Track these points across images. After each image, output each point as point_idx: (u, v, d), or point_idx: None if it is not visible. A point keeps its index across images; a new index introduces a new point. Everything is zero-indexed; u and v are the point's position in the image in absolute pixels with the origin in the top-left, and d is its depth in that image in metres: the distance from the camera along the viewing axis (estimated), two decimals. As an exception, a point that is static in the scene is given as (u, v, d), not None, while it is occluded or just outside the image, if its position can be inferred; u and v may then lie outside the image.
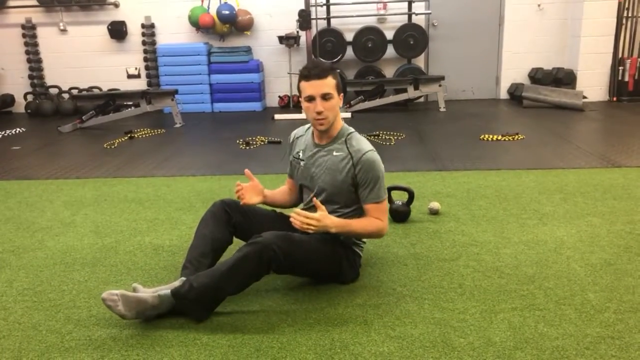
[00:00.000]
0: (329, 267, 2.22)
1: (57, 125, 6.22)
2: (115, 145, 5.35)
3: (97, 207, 3.44)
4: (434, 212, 3.08)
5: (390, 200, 3.00)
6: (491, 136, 5.04)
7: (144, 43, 7.41)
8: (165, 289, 2.03)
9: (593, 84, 6.97)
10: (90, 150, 5.20)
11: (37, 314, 2.12)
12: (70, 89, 7.63)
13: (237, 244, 2.18)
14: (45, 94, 7.68)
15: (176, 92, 6.43)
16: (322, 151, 2.23)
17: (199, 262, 2.12)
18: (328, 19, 7.19)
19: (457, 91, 7.50)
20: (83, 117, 6.29)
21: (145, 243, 2.81)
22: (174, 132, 6.02)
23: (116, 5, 7.40)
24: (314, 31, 6.80)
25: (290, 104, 7.38)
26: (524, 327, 1.92)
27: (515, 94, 7.08)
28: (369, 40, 6.97)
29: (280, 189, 2.50)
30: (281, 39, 7.04)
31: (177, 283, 2.05)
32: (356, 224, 2.15)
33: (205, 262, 2.13)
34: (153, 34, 7.46)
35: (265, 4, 7.26)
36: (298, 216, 2.00)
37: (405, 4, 7.09)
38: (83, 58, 7.60)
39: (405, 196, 2.98)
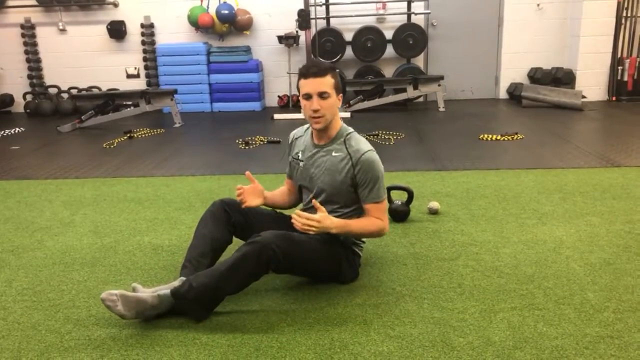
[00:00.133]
0: (329, 267, 2.22)
1: (56, 125, 6.22)
2: (115, 145, 5.35)
3: (97, 206, 3.44)
4: (434, 212, 3.08)
5: (389, 200, 3.00)
6: (490, 136, 5.04)
7: (143, 43, 7.41)
8: (164, 289, 2.03)
9: (592, 84, 6.97)
10: (89, 150, 5.19)
11: (37, 314, 2.12)
12: (70, 88, 7.63)
13: (237, 243, 2.18)
14: (45, 93, 7.68)
15: (175, 91, 6.43)
16: (321, 151, 2.23)
17: (198, 261, 2.12)
18: (327, 18, 7.19)
19: (456, 91, 7.50)
20: (82, 117, 6.28)
21: (144, 243, 2.81)
22: (173, 132, 6.01)
23: (115, 5, 7.40)
24: (313, 31, 6.80)
25: (289, 103, 7.38)
26: (523, 326, 1.92)
27: (515, 94, 7.09)
28: (369, 40, 6.97)
29: (279, 190, 2.50)
30: (280, 39, 7.04)
31: (176, 283, 2.05)
32: (356, 224, 2.15)
33: (204, 261, 2.13)
34: (152, 34, 7.46)
35: (264, 4, 7.26)
36: (299, 218, 1.99)
37: (405, 4, 7.09)
38: (82, 58, 7.60)
39: (404, 196, 2.98)
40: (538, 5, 7.08)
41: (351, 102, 6.64)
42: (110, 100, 6.47)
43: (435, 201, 3.15)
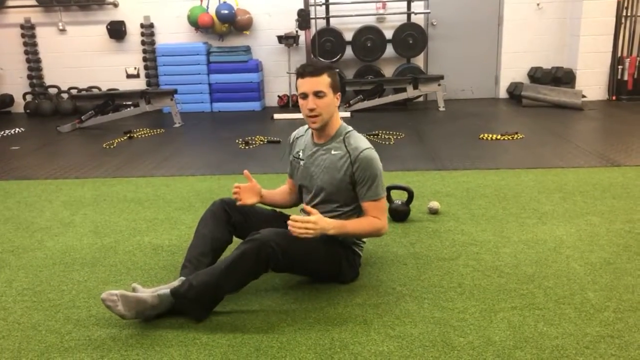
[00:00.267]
0: (328, 267, 2.21)
1: (56, 125, 6.22)
2: (115, 145, 5.35)
3: (97, 207, 3.44)
4: (434, 212, 3.08)
5: (389, 200, 3.00)
6: (490, 135, 5.04)
7: (143, 43, 7.41)
8: (164, 289, 2.03)
9: (592, 83, 6.97)
10: (89, 150, 5.19)
11: (37, 314, 2.12)
12: (70, 88, 7.63)
13: (237, 243, 2.17)
14: (44, 94, 7.68)
15: (175, 91, 6.43)
16: (321, 150, 2.23)
17: (198, 261, 2.12)
18: (327, 18, 7.19)
19: (456, 90, 7.49)
20: (82, 117, 6.28)
21: (144, 243, 2.81)
22: (173, 132, 6.01)
23: (115, 5, 7.39)
24: (313, 31, 6.80)
25: (289, 103, 7.37)
26: (523, 326, 1.92)
27: (515, 93, 7.09)
28: (368, 39, 6.97)
29: (280, 189, 2.50)
30: (280, 39, 7.04)
31: (176, 283, 2.05)
32: (353, 224, 2.15)
33: (204, 261, 2.13)
34: (152, 34, 7.45)
35: (264, 4, 7.26)
36: (296, 223, 1.97)
37: (405, 4, 7.09)
38: (82, 58, 7.59)
39: (404, 195, 2.98)
40: (538, 4, 7.08)
41: (351, 101, 6.63)
42: (110, 100, 6.47)
43: (436, 201, 3.15)
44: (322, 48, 6.96)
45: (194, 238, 2.23)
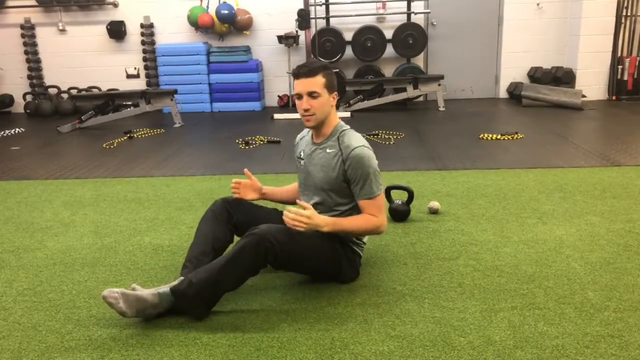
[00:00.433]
0: (328, 265, 2.21)
1: (56, 126, 6.22)
2: (115, 145, 5.35)
3: (97, 207, 3.44)
4: (434, 212, 3.08)
5: (389, 200, 3.00)
6: (490, 135, 5.04)
7: (143, 43, 7.41)
8: (164, 288, 2.03)
9: (592, 83, 6.97)
10: (89, 150, 5.20)
11: (37, 314, 2.12)
12: (70, 89, 7.63)
13: (237, 243, 2.18)
14: (44, 94, 7.68)
15: (175, 91, 6.43)
16: (318, 149, 2.25)
17: (198, 260, 2.12)
18: (327, 18, 7.19)
19: (456, 90, 7.50)
20: (82, 117, 6.28)
21: (145, 243, 2.81)
22: (173, 132, 6.01)
23: (115, 5, 7.40)
24: (313, 30, 6.80)
25: (289, 103, 7.38)
26: (523, 326, 1.92)
27: (515, 93, 7.09)
28: (368, 39, 6.97)
29: (287, 187, 2.53)
30: (280, 39, 7.04)
31: (176, 283, 2.05)
32: (349, 222, 2.15)
33: (205, 260, 2.13)
34: (152, 34, 7.46)
35: (264, 4, 7.26)
36: (289, 214, 2.00)
37: (404, 3, 7.09)
38: (82, 58, 7.60)
39: (404, 195, 2.98)
40: (538, 4, 7.08)
41: (351, 101, 6.64)
42: (110, 100, 6.47)
43: (436, 201, 3.15)
44: (322, 48, 6.96)
45: (194, 237, 2.24)
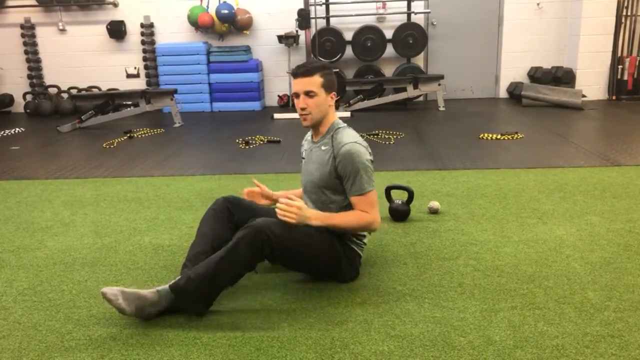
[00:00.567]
0: (327, 263, 2.21)
1: (56, 125, 6.22)
2: (115, 145, 5.35)
3: (97, 206, 3.44)
4: (434, 211, 3.08)
5: (390, 200, 3.00)
6: (490, 135, 5.04)
7: (143, 42, 7.41)
8: (164, 286, 2.04)
9: (592, 83, 6.97)
10: (89, 150, 5.19)
11: (37, 314, 2.12)
12: (69, 88, 7.63)
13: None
14: (44, 93, 7.68)
15: (175, 91, 6.43)
16: (315, 147, 2.28)
17: (198, 259, 2.12)
18: (327, 18, 7.19)
19: (456, 90, 7.50)
20: (82, 117, 6.29)
21: (145, 243, 2.81)
22: (173, 131, 6.02)
23: (115, 5, 7.40)
24: (313, 30, 6.80)
25: (289, 103, 7.38)
26: (524, 325, 1.92)
27: (515, 93, 7.09)
28: (368, 39, 6.97)
29: (296, 190, 2.56)
30: (280, 38, 7.04)
31: (175, 280, 2.05)
32: (340, 217, 2.16)
33: (204, 259, 2.13)
34: (152, 34, 7.46)
35: (264, 3, 7.27)
36: (281, 205, 2.04)
37: (405, 3, 7.09)
38: (82, 58, 7.60)
39: (405, 195, 2.98)
40: (538, 4, 7.08)
41: (351, 101, 6.64)
42: (110, 100, 6.47)
43: (436, 200, 3.15)
44: (322, 48, 6.96)
45: (195, 237, 2.25)
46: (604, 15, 6.76)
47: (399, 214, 2.98)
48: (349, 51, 7.07)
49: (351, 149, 2.13)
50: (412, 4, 7.07)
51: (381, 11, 7.23)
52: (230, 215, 2.27)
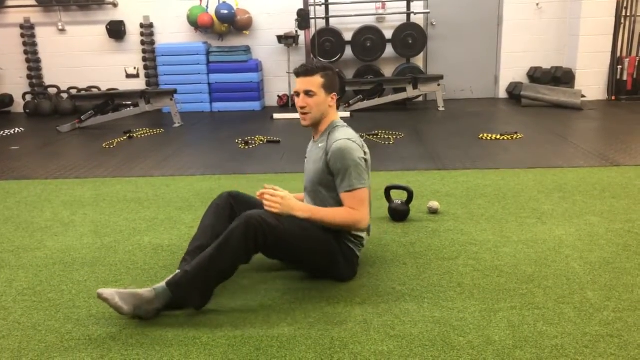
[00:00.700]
0: (323, 259, 2.21)
1: (56, 125, 6.22)
2: (114, 145, 5.35)
3: (97, 206, 3.44)
4: (433, 211, 3.08)
5: (389, 200, 3.01)
6: (490, 135, 5.05)
7: (142, 43, 7.41)
8: (160, 284, 2.05)
9: (592, 83, 6.98)
10: (89, 150, 5.19)
11: (37, 314, 2.12)
12: (69, 88, 7.63)
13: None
14: (44, 93, 7.68)
15: (175, 91, 6.43)
16: (314, 146, 2.32)
17: (196, 253, 2.13)
18: (327, 18, 7.19)
19: (456, 90, 7.50)
20: (82, 117, 6.28)
21: (144, 243, 2.81)
22: (173, 131, 6.02)
23: (115, 5, 7.40)
24: (312, 31, 6.80)
25: (289, 103, 7.38)
26: (523, 325, 1.92)
27: (514, 93, 7.09)
28: (368, 39, 6.97)
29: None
30: (280, 39, 7.04)
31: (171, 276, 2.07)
32: (326, 212, 2.16)
33: None
34: (152, 34, 7.46)
35: (264, 4, 7.27)
36: (266, 190, 2.10)
37: (404, 4, 7.10)
38: (82, 58, 7.60)
39: (404, 195, 2.98)
40: (537, 4, 7.08)
41: (351, 101, 6.64)
42: (110, 100, 6.47)
43: (435, 200, 3.15)
44: (322, 48, 6.96)
45: (196, 231, 2.29)
46: (603, 15, 6.77)
47: (399, 214, 2.98)
48: (348, 51, 7.07)
49: (342, 145, 2.14)
50: (412, 4, 7.07)
51: (381, 11, 7.23)
52: (233, 211, 2.29)
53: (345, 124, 2.29)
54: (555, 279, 2.26)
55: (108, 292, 1.93)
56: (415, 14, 7.12)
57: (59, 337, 1.95)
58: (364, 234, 2.31)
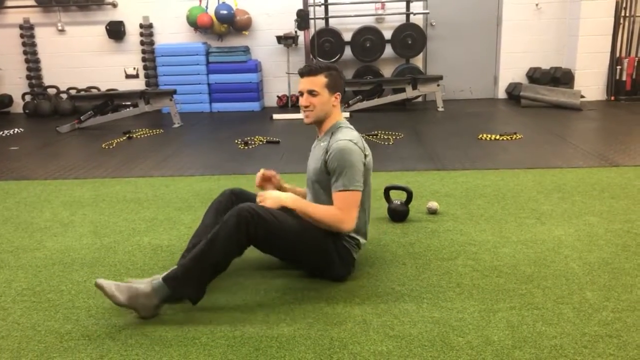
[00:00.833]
0: (316, 256, 2.22)
1: (55, 126, 6.22)
2: (114, 145, 5.35)
3: (96, 207, 3.44)
4: (433, 212, 3.08)
5: (388, 200, 3.01)
6: (489, 136, 5.05)
7: (142, 43, 7.41)
8: (157, 277, 2.05)
9: (591, 84, 6.98)
10: (88, 151, 5.19)
11: (36, 314, 2.12)
12: (69, 89, 7.63)
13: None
14: (44, 94, 7.67)
15: (174, 92, 6.43)
16: (317, 144, 2.34)
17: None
18: (326, 18, 7.20)
19: (455, 91, 7.51)
20: (81, 117, 6.28)
21: (144, 243, 2.81)
22: (172, 132, 6.01)
23: (114, 5, 7.40)
24: (312, 31, 6.80)
25: (288, 103, 7.38)
26: (522, 326, 1.92)
27: (514, 94, 7.10)
28: (367, 40, 6.98)
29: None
30: (279, 39, 7.04)
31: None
32: (313, 208, 2.18)
33: None
34: (151, 34, 7.46)
35: (263, 4, 7.27)
36: (259, 194, 2.17)
37: (404, 4, 7.10)
38: (81, 58, 7.60)
39: (403, 196, 2.99)
40: (537, 5, 7.09)
41: (350, 102, 6.64)
42: (109, 100, 6.47)
43: (434, 201, 3.15)
44: (321, 48, 6.96)
45: (197, 227, 2.32)
46: (602, 16, 6.77)
47: (398, 215, 2.98)
48: (348, 52, 7.08)
49: (343, 146, 2.15)
50: (411, 4, 7.07)
51: (380, 12, 7.24)
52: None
53: (350, 126, 2.30)
54: (554, 279, 2.26)
55: (106, 282, 1.96)
56: (414, 14, 7.12)
57: (59, 338, 1.95)
58: (359, 237, 2.31)
